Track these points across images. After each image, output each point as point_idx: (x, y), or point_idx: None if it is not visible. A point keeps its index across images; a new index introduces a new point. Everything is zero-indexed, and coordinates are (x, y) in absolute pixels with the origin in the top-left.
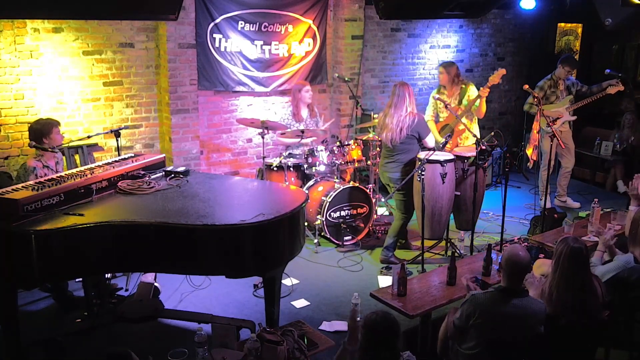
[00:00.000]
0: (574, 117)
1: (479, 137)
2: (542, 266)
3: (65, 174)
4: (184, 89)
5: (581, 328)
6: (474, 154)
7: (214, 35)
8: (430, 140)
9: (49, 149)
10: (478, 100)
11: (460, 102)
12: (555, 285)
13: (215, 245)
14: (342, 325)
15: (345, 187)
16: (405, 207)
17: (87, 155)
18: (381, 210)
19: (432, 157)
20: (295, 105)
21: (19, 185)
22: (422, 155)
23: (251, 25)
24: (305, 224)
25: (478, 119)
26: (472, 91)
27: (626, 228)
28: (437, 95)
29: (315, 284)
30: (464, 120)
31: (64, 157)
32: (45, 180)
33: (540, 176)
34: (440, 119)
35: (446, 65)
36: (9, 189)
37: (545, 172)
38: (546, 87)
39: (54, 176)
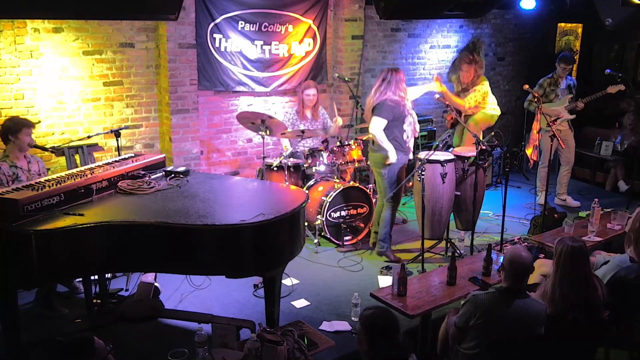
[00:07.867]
0: (573, 116)
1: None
2: (542, 266)
3: (65, 174)
4: (184, 89)
5: (584, 325)
6: (474, 154)
7: (214, 35)
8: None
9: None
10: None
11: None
12: (558, 284)
13: (215, 245)
14: (342, 325)
15: (345, 187)
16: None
17: (87, 155)
18: None
19: (432, 157)
20: (299, 104)
21: (20, 185)
22: (422, 155)
23: (251, 25)
24: (305, 224)
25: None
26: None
27: (628, 227)
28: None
29: (315, 284)
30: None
31: (60, 158)
32: (45, 180)
33: (538, 174)
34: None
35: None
36: (8, 188)
37: (544, 171)
38: (545, 84)
39: (54, 176)
